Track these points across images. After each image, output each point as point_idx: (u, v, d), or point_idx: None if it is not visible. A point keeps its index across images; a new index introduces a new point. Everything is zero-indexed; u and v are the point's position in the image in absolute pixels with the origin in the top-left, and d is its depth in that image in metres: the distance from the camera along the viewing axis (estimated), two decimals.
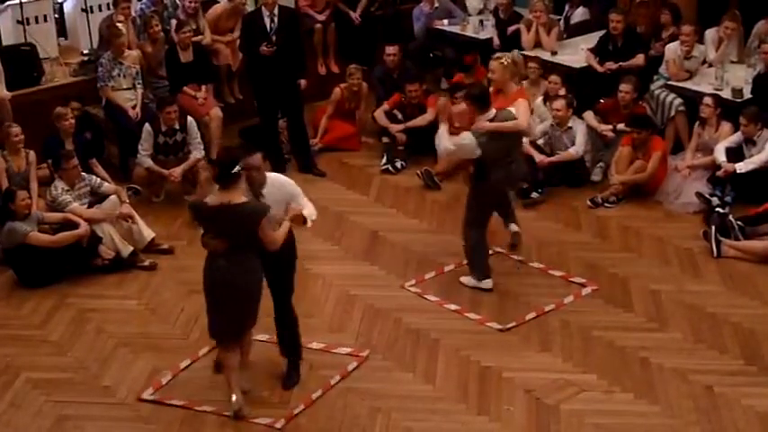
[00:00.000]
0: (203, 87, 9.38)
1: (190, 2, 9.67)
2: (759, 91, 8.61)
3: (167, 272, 7.55)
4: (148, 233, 7.84)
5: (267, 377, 6.18)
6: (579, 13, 10.56)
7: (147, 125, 8.45)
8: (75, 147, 8.16)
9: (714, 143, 8.42)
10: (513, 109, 6.95)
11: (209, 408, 5.91)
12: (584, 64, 9.62)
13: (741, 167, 8.13)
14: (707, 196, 8.14)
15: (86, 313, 7.00)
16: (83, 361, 6.45)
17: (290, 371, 6.11)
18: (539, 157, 8.58)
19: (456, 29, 10.89)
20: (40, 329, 6.85)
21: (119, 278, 7.46)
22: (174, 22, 9.65)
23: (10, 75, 8.95)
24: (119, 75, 9.06)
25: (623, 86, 8.80)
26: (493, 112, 6.81)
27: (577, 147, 8.70)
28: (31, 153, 8.07)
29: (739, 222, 7.70)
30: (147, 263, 7.60)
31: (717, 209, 7.92)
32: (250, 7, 10.14)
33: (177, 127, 8.48)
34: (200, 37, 9.62)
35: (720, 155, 8.27)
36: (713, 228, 7.65)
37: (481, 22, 10.85)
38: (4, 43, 9.70)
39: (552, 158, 8.66)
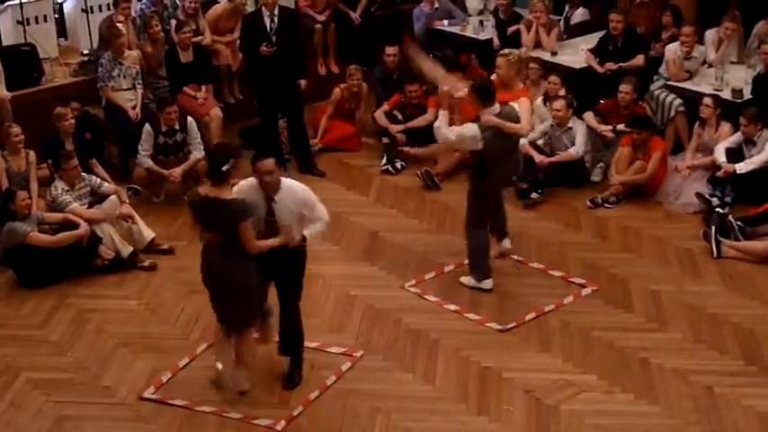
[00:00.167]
0: (203, 88, 9.38)
1: (190, 2, 9.67)
2: (759, 91, 8.61)
3: (167, 272, 7.55)
4: (148, 233, 7.84)
5: (267, 377, 6.18)
6: (579, 14, 10.57)
7: (147, 125, 8.45)
8: (75, 147, 8.16)
9: (714, 144, 8.43)
10: (515, 105, 6.94)
11: (208, 408, 5.91)
12: (584, 64, 9.62)
13: (741, 168, 8.13)
14: (707, 197, 8.14)
15: (86, 313, 7.01)
16: (83, 361, 6.45)
17: (291, 371, 6.12)
18: (539, 158, 8.59)
19: (456, 29, 10.89)
20: (40, 329, 6.85)
21: (119, 278, 7.46)
22: (173, 22, 9.65)
23: (10, 75, 8.95)
24: (119, 75, 9.06)
25: (623, 87, 8.81)
26: (497, 106, 6.79)
27: (577, 147, 8.70)
28: (31, 153, 8.07)
29: (739, 223, 7.70)
30: (147, 263, 7.60)
31: (717, 209, 7.93)
32: (250, 7, 10.14)
33: (177, 127, 8.48)
34: (200, 37, 9.62)
35: (720, 155, 8.27)
36: (713, 228, 7.65)
37: (481, 22, 10.85)
38: (5, 43, 9.70)
39: (552, 159, 8.66)
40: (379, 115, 9.56)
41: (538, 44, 10.01)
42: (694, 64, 9.20)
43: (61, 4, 10.44)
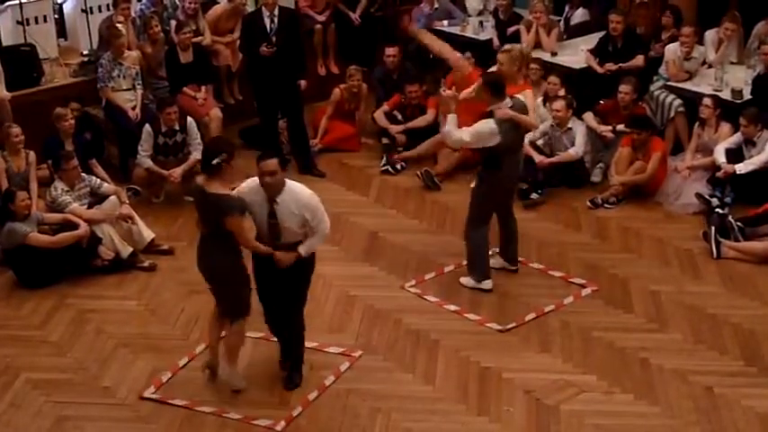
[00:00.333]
0: (203, 88, 9.38)
1: (189, 2, 9.67)
2: (759, 92, 8.61)
3: (167, 272, 7.55)
4: (148, 234, 7.84)
5: (267, 377, 6.18)
6: (579, 14, 10.57)
7: (147, 126, 8.45)
8: (74, 147, 8.16)
9: (714, 144, 8.43)
10: (521, 97, 6.94)
11: (208, 408, 5.91)
12: (584, 65, 9.63)
13: (741, 168, 8.13)
14: (707, 197, 8.15)
15: (86, 314, 7.00)
16: (82, 361, 6.45)
17: (292, 373, 6.11)
18: (538, 158, 8.59)
19: (456, 30, 10.89)
20: (39, 330, 6.85)
21: (118, 279, 7.46)
22: (173, 22, 9.65)
23: (10, 75, 8.95)
24: (118, 75, 9.06)
25: (623, 87, 8.81)
26: (509, 100, 6.78)
27: (577, 147, 8.70)
28: (31, 154, 8.07)
29: (739, 223, 7.70)
30: (146, 263, 7.60)
31: (716, 210, 7.93)
32: (250, 8, 10.14)
33: (177, 128, 8.48)
34: (199, 38, 9.62)
35: (720, 156, 8.27)
36: (713, 229, 7.65)
37: (481, 23, 10.84)
38: (4, 44, 9.69)
39: (552, 159, 8.66)
40: (379, 116, 9.56)
41: (538, 45, 10.01)
42: (694, 64, 9.20)
43: (61, 5, 10.44)
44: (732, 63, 9.33)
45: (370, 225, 8.21)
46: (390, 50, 9.90)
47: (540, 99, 9.08)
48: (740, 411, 5.82)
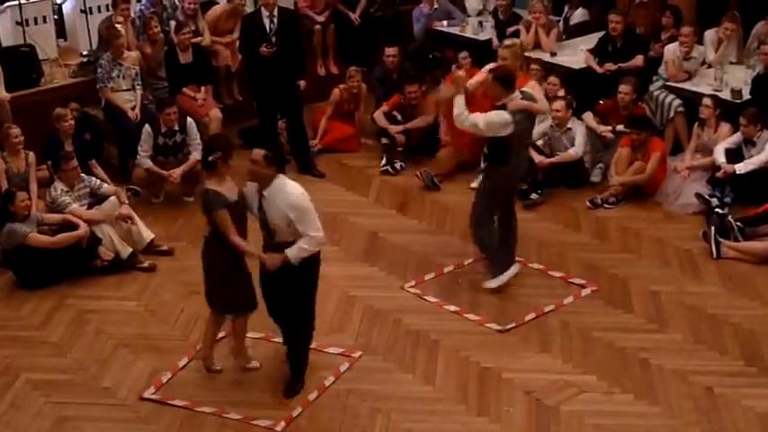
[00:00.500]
0: (203, 89, 9.37)
1: (189, 3, 9.67)
2: (758, 92, 8.62)
3: (167, 273, 7.55)
4: (148, 234, 7.84)
5: (267, 378, 6.17)
6: (578, 14, 10.57)
7: (146, 126, 8.45)
8: (74, 148, 8.16)
9: (713, 144, 8.43)
10: (527, 89, 6.95)
11: (208, 409, 5.91)
12: (584, 65, 9.63)
13: (740, 168, 8.13)
14: (706, 197, 8.15)
15: (86, 314, 7.00)
16: (82, 362, 6.45)
17: (293, 382, 6.07)
18: (538, 158, 8.58)
19: (455, 30, 10.90)
20: (39, 330, 6.84)
21: (118, 279, 7.46)
22: (173, 23, 9.65)
23: (9, 76, 8.95)
24: (118, 76, 9.06)
25: (622, 87, 8.81)
26: (518, 92, 6.79)
27: (577, 148, 8.70)
28: (31, 154, 8.07)
29: (739, 223, 7.70)
30: (146, 264, 7.60)
31: (716, 210, 7.93)
32: (249, 8, 10.13)
33: (177, 128, 8.48)
34: (199, 38, 9.62)
35: (720, 156, 8.27)
36: (713, 229, 7.65)
37: (480, 23, 10.85)
38: (4, 44, 9.70)
39: (552, 159, 8.66)
40: (379, 116, 9.56)
41: (537, 45, 10.02)
42: (693, 64, 9.20)
43: (60, 5, 10.45)
44: (731, 63, 9.33)
45: (369, 225, 8.21)
46: (390, 51, 9.90)
47: None
48: (740, 411, 5.82)
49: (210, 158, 5.69)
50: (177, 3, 9.90)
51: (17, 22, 9.70)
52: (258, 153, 5.62)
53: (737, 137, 8.32)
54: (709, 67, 9.24)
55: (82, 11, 10.08)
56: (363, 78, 9.82)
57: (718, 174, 8.22)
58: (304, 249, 5.67)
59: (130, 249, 7.63)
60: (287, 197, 5.64)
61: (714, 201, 8.08)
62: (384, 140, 9.47)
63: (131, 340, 6.67)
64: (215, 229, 5.81)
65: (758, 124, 8.19)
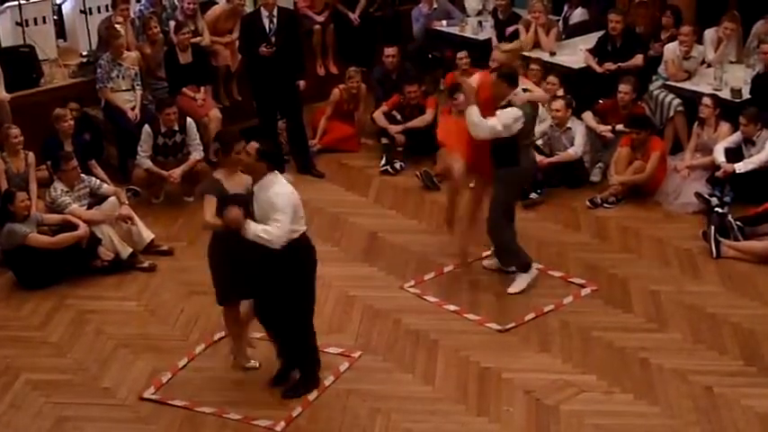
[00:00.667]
0: (202, 89, 9.37)
1: (188, 3, 9.67)
2: (758, 91, 8.61)
3: (167, 273, 7.55)
4: (148, 234, 7.84)
5: (266, 378, 6.17)
6: (578, 14, 10.57)
7: (146, 126, 8.45)
8: (74, 148, 8.16)
9: (713, 143, 8.43)
10: (524, 86, 6.99)
11: (208, 409, 5.91)
12: (583, 64, 9.62)
13: (740, 168, 8.13)
14: (706, 196, 8.15)
15: (86, 314, 7.00)
16: (82, 362, 6.45)
17: (297, 385, 6.04)
18: (538, 158, 8.53)
19: (455, 30, 10.90)
20: (39, 331, 6.85)
21: (118, 279, 7.46)
22: (172, 23, 9.65)
23: (9, 76, 8.95)
24: (118, 76, 9.06)
25: (622, 87, 8.80)
26: (520, 89, 6.83)
27: (576, 147, 8.70)
28: (31, 154, 8.08)
29: (738, 223, 7.70)
30: (146, 264, 7.60)
31: (716, 209, 7.93)
32: (249, 8, 10.13)
33: (176, 128, 8.48)
34: (198, 38, 9.62)
35: (719, 155, 8.27)
36: (712, 228, 7.65)
37: (480, 22, 10.86)
38: (4, 45, 9.70)
39: (551, 159, 8.66)
40: (378, 116, 9.56)
41: (537, 44, 10.02)
42: (693, 64, 9.20)
43: (60, 6, 10.45)
44: (731, 62, 9.33)
45: (369, 225, 8.21)
46: (389, 51, 9.90)
47: None
48: (740, 411, 5.82)
49: (213, 149, 5.72)
50: (177, 3, 9.90)
51: (17, 23, 9.70)
52: (252, 146, 5.65)
53: (737, 136, 8.32)
54: (709, 66, 9.23)
55: (81, 11, 10.08)
56: (363, 78, 9.81)
57: (718, 173, 8.22)
58: (260, 234, 5.54)
59: (130, 249, 7.63)
60: (271, 195, 5.61)
61: (714, 200, 8.08)
62: (384, 140, 9.47)
63: (131, 340, 6.67)
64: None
65: (758, 123, 8.19)
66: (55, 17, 10.25)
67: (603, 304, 6.99)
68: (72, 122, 8.33)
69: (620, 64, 9.33)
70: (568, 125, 8.77)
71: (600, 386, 6.08)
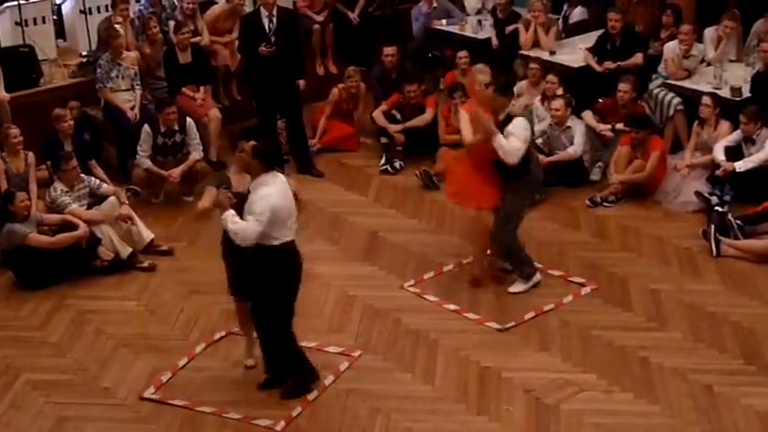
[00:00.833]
0: (201, 88, 9.37)
1: (188, 3, 9.67)
2: (758, 90, 8.61)
3: (166, 273, 7.55)
4: (147, 234, 7.84)
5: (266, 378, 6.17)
6: (577, 13, 10.57)
7: (146, 126, 8.45)
8: (74, 148, 8.16)
9: (713, 142, 8.42)
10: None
11: (208, 408, 5.91)
12: (583, 63, 9.63)
13: (740, 166, 8.13)
14: (706, 195, 8.14)
15: (86, 314, 7.00)
16: (82, 362, 6.45)
17: (294, 386, 6.02)
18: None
19: (454, 29, 10.90)
20: (39, 331, 6.85)
21: (118, 279, 7.46)
22: (172, 23, 9.65)
23: (9, 76, 8.95)
24: (117, 76, 9.06)
25: (622, 86, 8.80)
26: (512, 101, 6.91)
27: (576, 146, 8.70)
28: (30, 154, 8.07)
29: (738, 221, 7.70)
30: (146, 264, 7.60)
31: (716, 208, 7.92)
32: (248, 8, 10.13)
33: (176, 128, 8.48)
34: (198, 38, 9.62)
35: (719, 154, 8.26)
36: (712, 227, 7.64)
37: (479, 21, 10.87)
38: (3, 45, 9.70)
39: (551, 158, 8.65)
40: (378, 115, 9.55)
41: (536, 43, 10.01)
42: (693, 62, 9.20)
43: (60, 6, 10.45)
44: (731, 61, 9.32)
45: (369, 225, 8.20)
46: (389, 50, 9.89)
47: (538, 98, 9.09)
48: (740, 410, 5.81)
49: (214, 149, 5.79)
50: (176, 3, 9.90)
51: (16, 23, 9.70)
52: (249, 144, 5.64)
53: (737, 135, 8.31)
54: (709, 65, 9.23)
55: (81, 11, 10.08)
56: (362, 78, 9.81)
57: (718, 172, 8.22)
58: (229, 226, 5.55)
59: (130, 249, 7.63)
60: (256, 196, 5.57)
61: (714, 199, 8.08)
62: (383, 140, 9.47)
63: (131, 340, 6.67)
64: None
65: (758, 122, 8.19)
66: (54, 17, 10.25)
67: (603, 303, 6.98)
68: (72, 122, 8.33)
69: (619, 63, 9.34)
70: (568, 124, 8.77)
71: (600, 385, 6.07)
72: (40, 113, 8.58)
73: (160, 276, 7.51)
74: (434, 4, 11.00)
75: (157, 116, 8.51)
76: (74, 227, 7.45)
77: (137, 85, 9.14)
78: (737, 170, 8.12)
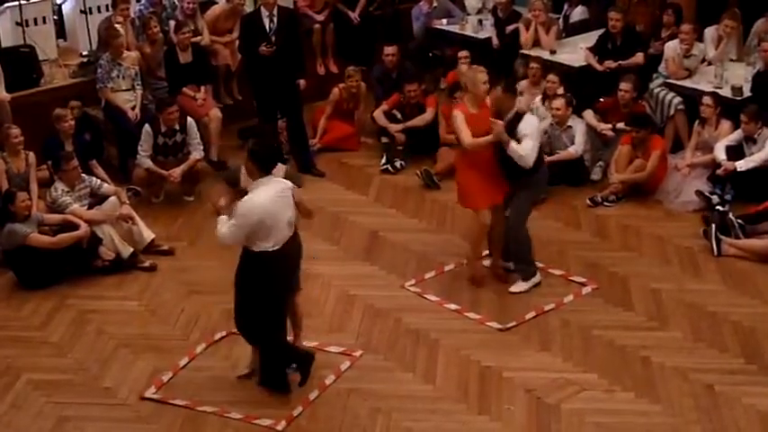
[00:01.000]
0: (202, 88, 9.37)
1: (188, 3, 9.67)
2: (759, 89, 8.61)
3: (167, 273, 7.55)
4: (148, 234, 7.84)
5: None
6: (578, 12, 10.57)
7: (146, 126, 8.45)
8: (74, 148, 8.16)
9: (714, 141, 8.42)
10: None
11: (209, 408, 5.91)
12: (584, 63, 9.62)
13: (741, 165, 8.13)
14: (707, 194, 8.15)
15: (86, 314, 7.00)
16: (83, 362, 6.45)
17: (265, 381, 6.04)
18: None
19: (455, 28, 10.90)
20: (40, 331, 6.85)
21: (119, 279, 7.46)
22: (172, 23, 9.65)
23: (9, 76, 8.95)
24: (118, 76, 9.06)
25: (623, 85, 8.80)
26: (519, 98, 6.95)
27: (577, 146, 8.70)
28: (31, 155, 8.07)
29: (739, 221, 7.70)
30: (147, 264, 7.60)
31: (717, 207, 7.93)
32: (249, 8, 10.14)
33: (177, 128, 8.48)
34: (198, 38, 9.62)
35: (720, 153, 8.26)
36: (713, 226, 7.64)
37: (480, 21, 10.87)
38: (4, 45, 9.69)
39: (552, 158, 8.63)
40: (378, 115, 9.55)
41: (537, 43, 10.01)
42: (694, 62, 9.20)
43: (60, 6, 10.44)
44: (732, 60, 9.32)
45: (369, 224, 8.20)
46: (389, 49, 9.89)
47: (539, 98, 9.09)
48: (741, 409, 5.81)
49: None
50: (176, 2, 9.90)
51: (17, 23, 9.70)
52: (248, 146, 5.69)
53: (738, 134, 8.31)
54: (710, 64, 9.23)
55: (82, 11, 10.08)
56: (363, 77, 9.81)
57: (719, 171, 8.22)
58: (217, 228, 5.64)
59: (131, 249, 7.63)
60: (244, 198, 5.57)
61: (715, 198, 8.08)
62: (384, 139, 9.47)
63: (132, 340, 6.67)
64: None
65: (759, 121, 8.19)
66: (55, 17, 10.25)
67: (604, 303, 6.98)
68: (72, 122, 8.33)
69: (620, 62, 9.34)
70: (569, 124, 8.77)
71: (601, 385, 6.07)
72: (41, 113, 8.57)
73: (161, 276, 7.51)
74: (435, 4, 11.00)
75: (158, 116, 8.51)
76: (75, 227, 7.45)
77: (137, 84, 9.14)
78: (738, 169, 8.12)
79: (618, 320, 6.77)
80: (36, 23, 9.83)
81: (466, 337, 6.58)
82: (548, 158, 8.56)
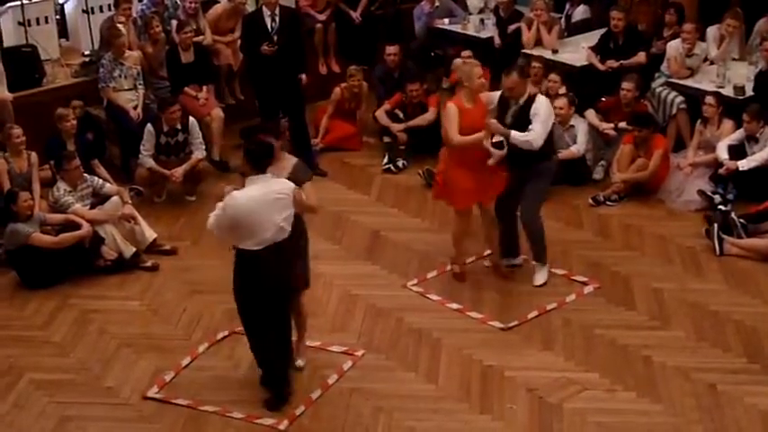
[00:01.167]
0: (204, 88, 9.38)
1: (190, 2, 9.67)
2: (761, 88, 8.61)
3: (169, 272, 7.55)
4: (150, 234, 7.85)
5: None
6: (580, 12, 10.57)
7: (149, 125, 8.45)
8: (76, 148, 8.17)
9: (716, 141, 8.42)
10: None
11: (212, 407, 5.92)
12: (586, 62, 9.62)
13: (743, 165, 8.13)
14: (709, 194, 8.14)
15: (89, 314, 7.01)
16: (85, 362, 6.46)
17: (272, 395, 5.97)
18: None
19: (457, 28, 10.90)
20: (42, 330, 6.85)
21: (121, 279, 7.47)
22: (174, 22, 9.65)
23: (11, 76, 8.95)
24: (120, 75, 9.07)
25: (625, 84, 8.80)
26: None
27: (579, 145, 8.70)
28: (33, 154, 8.08)
29: (742, 220, 7.70)
30: (149, 263, 7.61)
31: (719, 206, 7.92)
32: (251, 7, 10.14)
33: (179, 127, 8.48)
34: (200, 37, 9.63)
35: (723, 152, 8.26)
36: (715, 226, 7.64)
37: (482, 20, 10.87)
38: (6, 45, 9.70)
39: None
40: (381, 114, 9.56)
41: (539, 42, 10.01)
42: (696, 61, 9.19)
43: (62, 5, 10.45)
44: (734, 60, 9.32)
45: (371, 224, 8.21)
46: (391, 49, 9.89)
47: None
48: (743, 409, 5.81)
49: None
50: (179, 2, 9.90)
51: (19, 23, 9.70)
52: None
53: (740, 133, 8.31)
54: (712, 63, 9.23)
55: (84, 11, 10.08)
56: (364, 77, 9.81)
57: (721, 170, 8.22)
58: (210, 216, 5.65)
59: (133, 249, 7.64)
60: (232, 194, 5.55)
61: (717, 198, 8.08)
62: (386, 139, 9.48)
63: (134, 340, 6.68)
64: None
65: (761, 121, 8.19)
66: (57, 17, 10.24)
67: (606, 302, 6.98)
68: (74, 122, 8.34)
69: (622, 61, 9.33)
70: (571, 123, 8.76)
71: (602, 384, 6.08)
72: (43, 113, 8.58)
73: (163, 276, 7.52)
74: (437, 4, 11.00)
75: (160, 115, 8.51)
76: (77, 226, 7.46)
77: (139, 84, 9.14)
78: (740, 169, 8.12)
79: (620, 320, 6.77)
80: (38, 23, 9.83)
81: (468, 337, 6.59)
82: None
